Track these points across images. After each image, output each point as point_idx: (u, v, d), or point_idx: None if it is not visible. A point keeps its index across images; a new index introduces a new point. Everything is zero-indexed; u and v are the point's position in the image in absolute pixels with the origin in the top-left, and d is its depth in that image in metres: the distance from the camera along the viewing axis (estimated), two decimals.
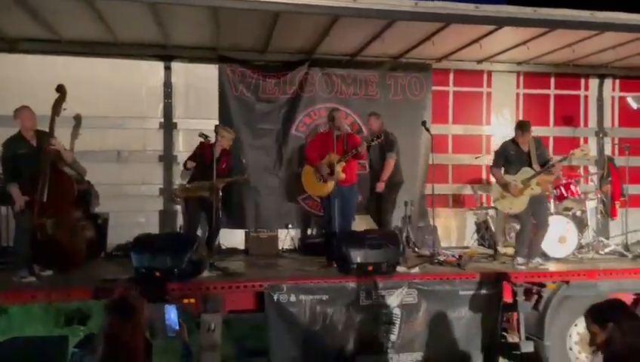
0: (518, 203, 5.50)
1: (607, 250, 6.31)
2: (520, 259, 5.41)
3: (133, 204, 6.48)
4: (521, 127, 5.59)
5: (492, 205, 6.80)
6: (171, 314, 2.89)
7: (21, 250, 4.86)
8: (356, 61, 6.98)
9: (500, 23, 5.59)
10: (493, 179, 6.02)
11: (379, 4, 5.18)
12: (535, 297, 4.99)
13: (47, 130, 5.15)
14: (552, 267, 5.44)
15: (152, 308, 2.55)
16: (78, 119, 6.16)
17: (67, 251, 5.13)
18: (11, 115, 5.06)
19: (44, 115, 5.20)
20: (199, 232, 5.99)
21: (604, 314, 2.54)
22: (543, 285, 5.03)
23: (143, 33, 5.94)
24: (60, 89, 5.40)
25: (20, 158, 4.91)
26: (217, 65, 6.69)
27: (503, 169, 5.67)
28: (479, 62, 7.27)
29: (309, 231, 6.93)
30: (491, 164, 5.84)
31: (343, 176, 5.69)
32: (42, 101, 5.37)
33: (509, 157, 5.61)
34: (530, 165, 5.50)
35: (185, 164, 6.03)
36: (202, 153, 5.87)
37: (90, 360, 2.40)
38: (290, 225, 6.84)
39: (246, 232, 6.61)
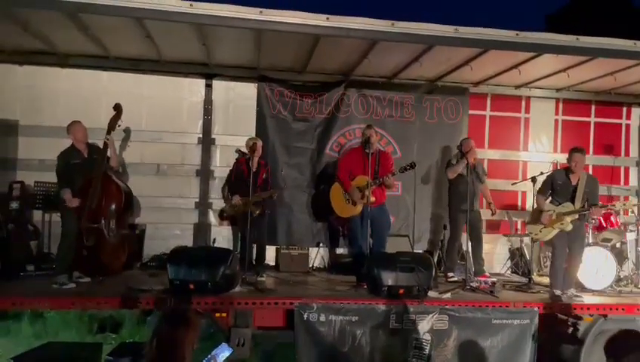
0: (545, 232, 5.46)
1: None
2: (556, 291, 5.29)
3: (169, 217, 6.63)
4: (578, 155, 5.36)
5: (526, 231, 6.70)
6: (223, 354, 2.68)
7: (65, 256, 5.03)
8: (393, 83, 7.03)
9: (541, 50, 5.54)
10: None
11: (418, 29, 5.21)
12: (571, 329, 4.87)
13: (97, 143, 5.43)
14: (587, 299, 5.30)
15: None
16: (127, 132, 6.39)
17: (109, 259, 5.32)
18: (62, 125, 5.31)
19: (92, 128, 5.46)
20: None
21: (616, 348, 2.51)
22: (579, 317, 4.91)
23: (187, 52, 6.13)
24: (117, 108, 5.72)
25: (73, 168, 5.15)
26: (256, 84, 6.83)
27: (549, 198, 5.57)
28: (517, 87, 7.22)
29: (339, 251, 6.94)
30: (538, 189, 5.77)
31: (373, 199, 5.67)
32: (90, 113, 5.67)
33: (555, 186, 5.51)
34: (573, 199, 5.38)
35: (229, 199, 6.11)
36: (239, 169, 6.00)
37: None
38: (321, 244, 6.86)
39: (277, 248, 6.64)
